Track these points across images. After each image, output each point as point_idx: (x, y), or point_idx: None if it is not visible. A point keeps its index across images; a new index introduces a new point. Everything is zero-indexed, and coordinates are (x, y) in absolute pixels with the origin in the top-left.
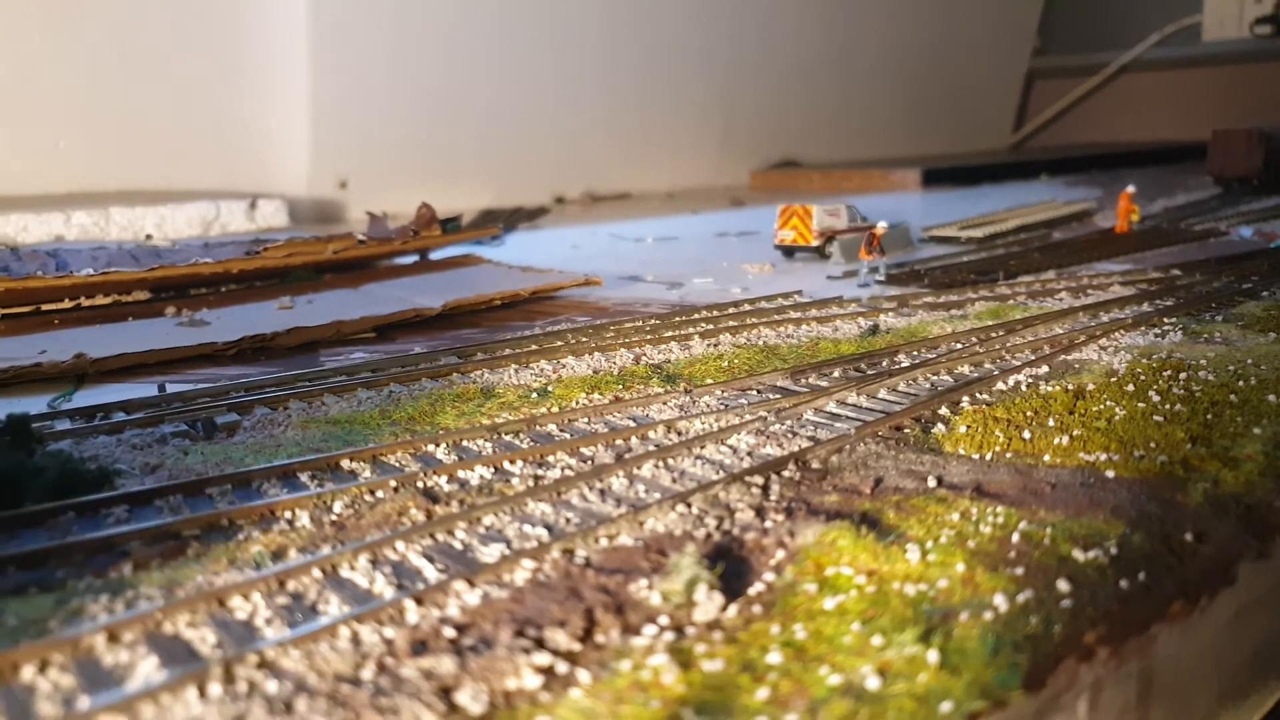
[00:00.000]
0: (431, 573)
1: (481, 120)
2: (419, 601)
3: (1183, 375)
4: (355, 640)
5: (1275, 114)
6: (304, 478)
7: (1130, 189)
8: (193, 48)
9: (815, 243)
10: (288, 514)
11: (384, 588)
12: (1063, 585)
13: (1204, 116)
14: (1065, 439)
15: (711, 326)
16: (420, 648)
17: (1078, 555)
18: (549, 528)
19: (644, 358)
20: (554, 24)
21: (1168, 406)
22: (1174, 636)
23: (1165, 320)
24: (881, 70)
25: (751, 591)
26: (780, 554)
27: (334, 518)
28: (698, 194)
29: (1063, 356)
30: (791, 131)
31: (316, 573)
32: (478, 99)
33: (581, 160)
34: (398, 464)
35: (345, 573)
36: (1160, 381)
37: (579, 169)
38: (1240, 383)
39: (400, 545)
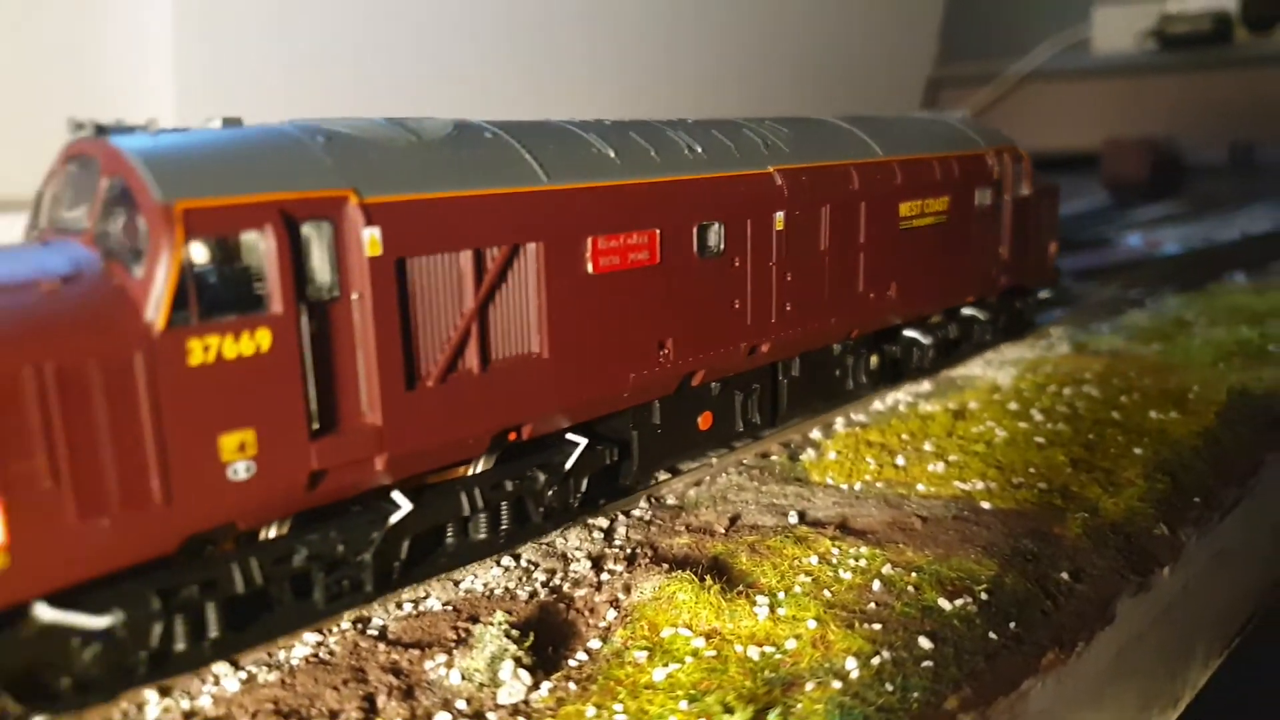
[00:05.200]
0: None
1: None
2: (164, 692)
3: (1067, 390)
4: None
5: (1163, 124)
6: None
7: None
8: (44, 42)
9: None
10: None
11: None
12: (924, 643)
13: (1098, 126)
14: (941, 465)
15: None
16: None
17: (944, 604)
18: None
19: None
20: (451, 10)
21: (1050, 426)
22: (1048, 689)
23: (1053, 331)
24: (781, 78)
25: (572, 663)
26: (611, 615)
27: None
28: None
29: (946, 372)
30: None
31: None
32: (371, 97)
33: None
34: None
35: None
36: (1044, 398)
37: None
38: (1123, 398)
39: None
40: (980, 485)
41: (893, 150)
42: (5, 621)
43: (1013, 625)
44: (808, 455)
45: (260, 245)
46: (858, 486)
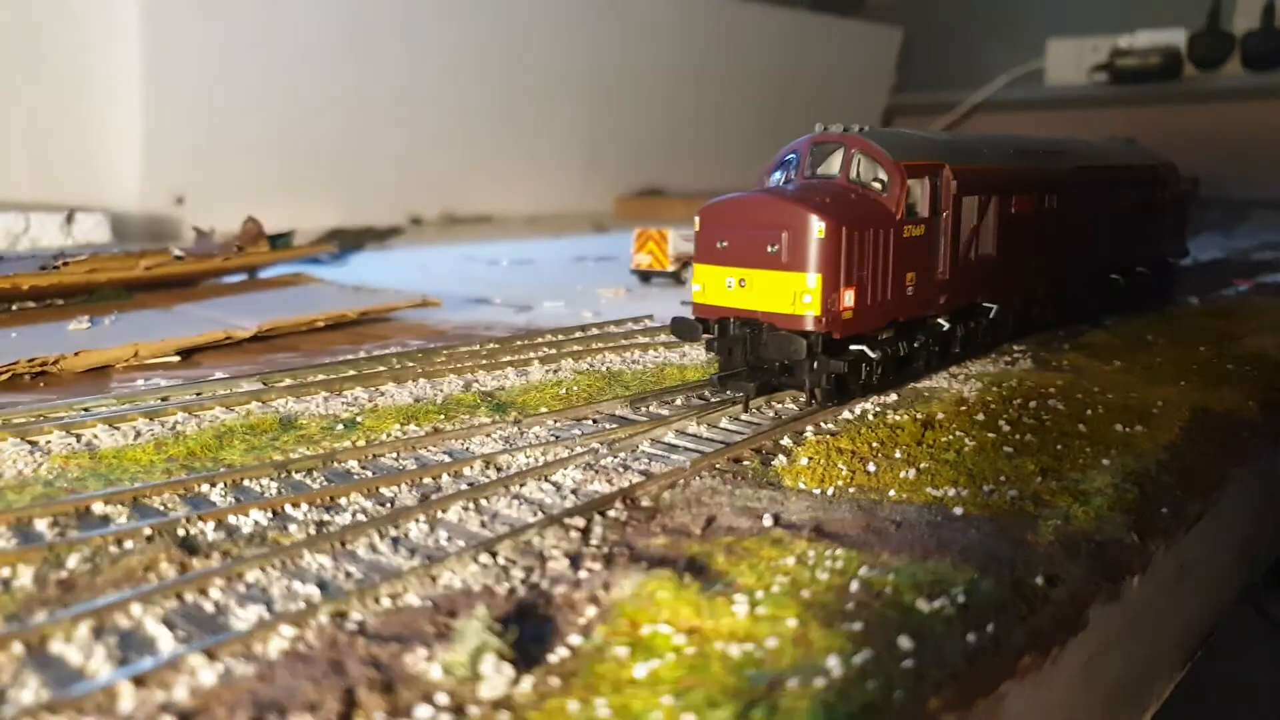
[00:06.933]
0: (168, 643)
1: (335, 134)
2: (139, 683)
3: (1033, 404)
4: None
5: None
6: (41, 525)
7: None
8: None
9: (671, 268)
10: (4, 571)
11: (101, 665)
12: (905, 642)
13: None
14: (912, 472)
15: (554, 351)
16: None
17: (922, 606)
18: (323, 585)
19: (475, 384)
20: (413, 37)
21: (1018, 437)
22: (1024, 693)
23: (1015, 348)
24: (743, 102)
25: (553, 659)
26: (591, 611)
27: (63, 575)
28: (561, 218)
29: (911, 384)
30: (656, 158)
31: (17, 647)
32: (331, 111)
33: (440, 180)
34: (162, 508)
35: (57, 646)
36: (1010, 410)
37: (437, 189)
38: (1089, 411)
39: (137, 609)
40: (952, 492)
41: (1115, 160)
42: (841, 348)
43: (990, 628)
44: (780, 461)
45: (920, 185)
46: (830, 491)
